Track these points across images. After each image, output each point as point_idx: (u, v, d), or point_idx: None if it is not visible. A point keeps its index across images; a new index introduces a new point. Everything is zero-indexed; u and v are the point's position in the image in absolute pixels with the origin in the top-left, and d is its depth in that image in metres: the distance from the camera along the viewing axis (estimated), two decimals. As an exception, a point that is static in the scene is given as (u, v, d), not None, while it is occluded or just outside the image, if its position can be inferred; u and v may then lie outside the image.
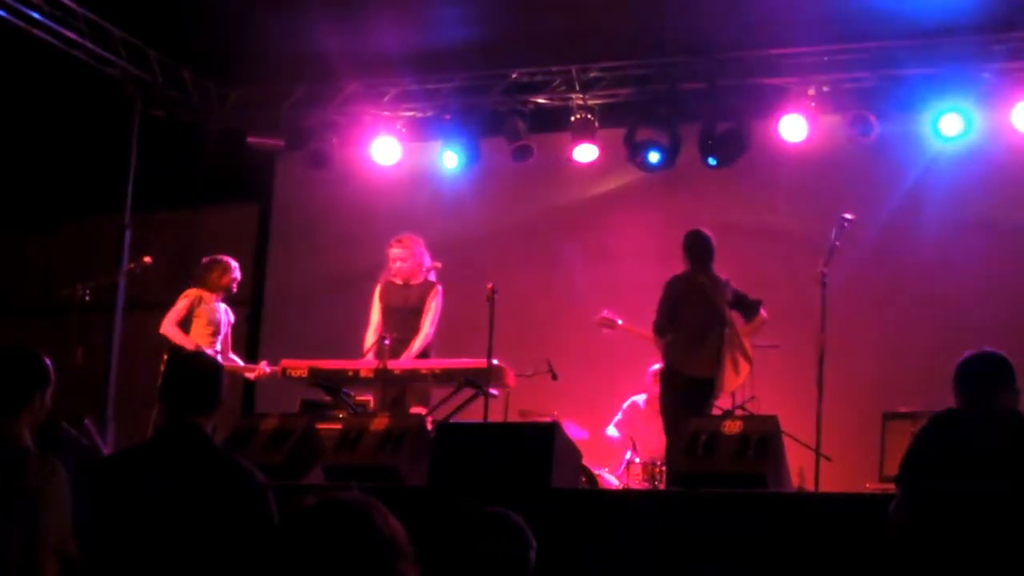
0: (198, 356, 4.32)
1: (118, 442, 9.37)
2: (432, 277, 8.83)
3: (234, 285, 9.23)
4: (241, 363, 9.44)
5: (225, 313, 9.22)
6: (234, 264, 9.24)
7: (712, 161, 10.61)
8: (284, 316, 12.20)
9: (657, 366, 9.69)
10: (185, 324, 8.97)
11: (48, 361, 4.07)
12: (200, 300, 9.05)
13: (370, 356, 8.55)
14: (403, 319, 8.67)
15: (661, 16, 10.05)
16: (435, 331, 8.69)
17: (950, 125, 10.12)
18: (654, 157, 10.78)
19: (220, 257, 9.25)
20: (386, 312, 8.74)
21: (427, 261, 8.85)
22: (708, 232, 8.39)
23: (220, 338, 9.13)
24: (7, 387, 3.89)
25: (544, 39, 10.52)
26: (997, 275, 10.29)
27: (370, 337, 8.72)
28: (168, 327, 8.93)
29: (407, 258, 8.81)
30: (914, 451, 4.81)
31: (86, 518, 3.89)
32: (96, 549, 3.81)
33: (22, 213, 12.48)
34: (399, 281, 8.81)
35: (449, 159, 11.46)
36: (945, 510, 4.60)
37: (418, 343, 8.59)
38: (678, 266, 8.92)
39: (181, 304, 9.00)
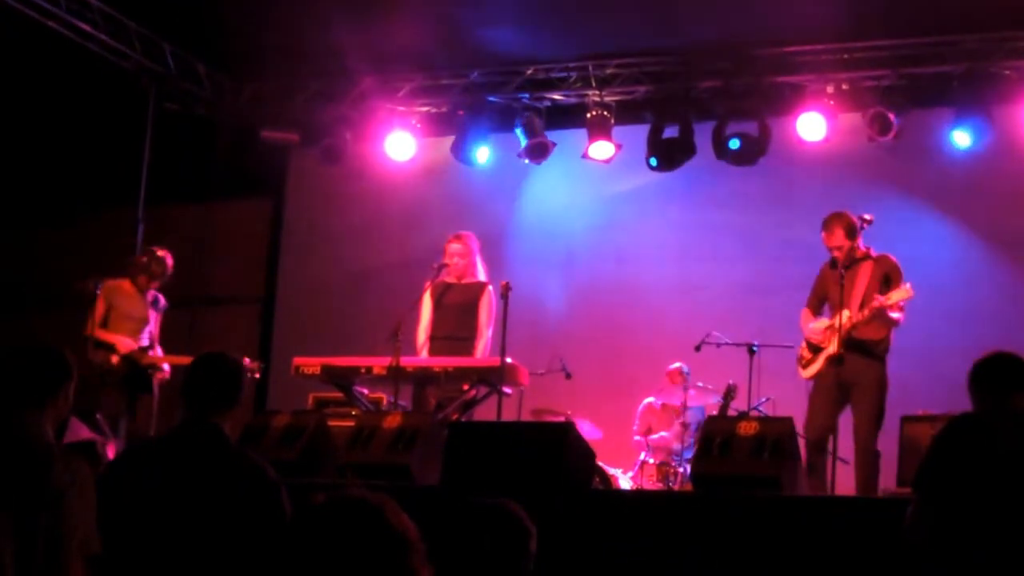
0: (219, 355, 4.27)
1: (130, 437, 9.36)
2: (483, 277, 8.74)
3: (153, 279, 9.02)
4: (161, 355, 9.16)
5: (153, 306, 9.06)
6: (160, 254, 9.07)
7: (732, 145, 10.47)
8: (297, 312, 12.18)
9: (677, 364, 9.63)
10: (104, 320, 8.85)
11: (70, 357, 4.05)
12: (117, 291, 8.97)
13: (424, 354, 8.51)
14: (454, 317, 8.58)
15: (679, 13, 10.01)
16: (492, 331, 8.56)
17: (961, 139, 10.12)
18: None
19: (152, 249, 9.14)
20: (437, 310, 8.67)
21: (479, 260, 8.78)
22: None
23: (145, 331, 8.98)
24: (33, 382, 3.87)
25: (560, 34, 10.49)
26: (1017, 276, 10.22)
27: (421, 336, 8.63)
28: (91, 327, 8.76)
29: (464, 255, 8.70)
30: (932, 455, 4.76)
31: (99, 514, 3.87)
32: (108, 545, 3.78)
33: (35, 206, 12.48)
34: (451, 279, 8.73)
35: (482, 154, 11.39)
36: (963, 514, 4.55)
37: (480, 347, 8.52)
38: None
39: (99, 301, 8.87)
